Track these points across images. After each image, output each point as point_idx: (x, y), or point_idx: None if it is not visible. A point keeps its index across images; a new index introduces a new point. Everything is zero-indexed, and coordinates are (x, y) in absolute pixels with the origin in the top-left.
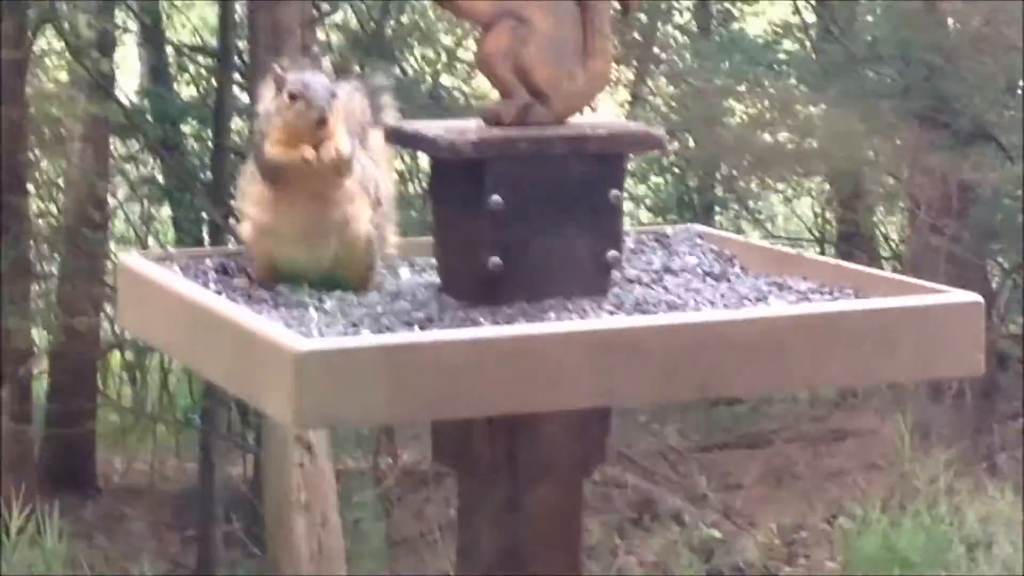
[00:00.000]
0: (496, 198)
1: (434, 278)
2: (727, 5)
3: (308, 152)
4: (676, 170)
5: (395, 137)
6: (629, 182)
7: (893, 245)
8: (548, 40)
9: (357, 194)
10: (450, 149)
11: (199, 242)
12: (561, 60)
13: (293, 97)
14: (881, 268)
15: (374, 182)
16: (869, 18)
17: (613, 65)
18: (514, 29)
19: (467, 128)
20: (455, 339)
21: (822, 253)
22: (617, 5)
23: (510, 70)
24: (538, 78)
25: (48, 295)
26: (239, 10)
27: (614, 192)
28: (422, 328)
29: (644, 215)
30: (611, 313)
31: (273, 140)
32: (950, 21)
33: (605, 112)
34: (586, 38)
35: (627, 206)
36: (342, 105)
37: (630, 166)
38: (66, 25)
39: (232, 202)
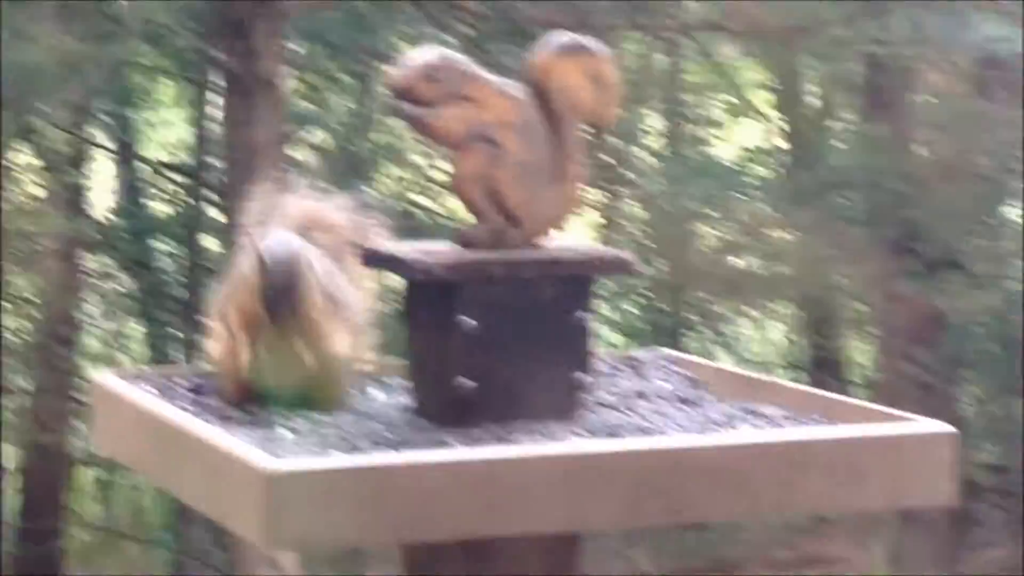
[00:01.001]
0: (468, 320)
1: (406, 399)
2: (697, 129)
3: (242, 358)
4: (646, 293)
5: (369, 258)
6: (600, 305)
7: (863, 371)
8: (521, 164)
9: (331, 313)
10: (424, 271)
11: (171, 360)
12: (533, 183)
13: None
14: (852, 394)
15: (348, 302)
16: (839, 144)
17: (584, 188)
18: (486, 153)
19: (440, 251)
20: (426, 462)
21: (793, 379)
22: (588, 128)
23: (483, 194)
24: (510, 202)
25: (18, 411)
26: (214, 128)
27: (582, 315)
28: (394, 450)
29: (615, 338)
30: (581, 437)
31: (239, 297)
32: (919, 150)
33: (575, 235)
34: (558, 162)
35: (597, 329)
36: (315, 266)
37: (601, 289)
38: (40, 139)
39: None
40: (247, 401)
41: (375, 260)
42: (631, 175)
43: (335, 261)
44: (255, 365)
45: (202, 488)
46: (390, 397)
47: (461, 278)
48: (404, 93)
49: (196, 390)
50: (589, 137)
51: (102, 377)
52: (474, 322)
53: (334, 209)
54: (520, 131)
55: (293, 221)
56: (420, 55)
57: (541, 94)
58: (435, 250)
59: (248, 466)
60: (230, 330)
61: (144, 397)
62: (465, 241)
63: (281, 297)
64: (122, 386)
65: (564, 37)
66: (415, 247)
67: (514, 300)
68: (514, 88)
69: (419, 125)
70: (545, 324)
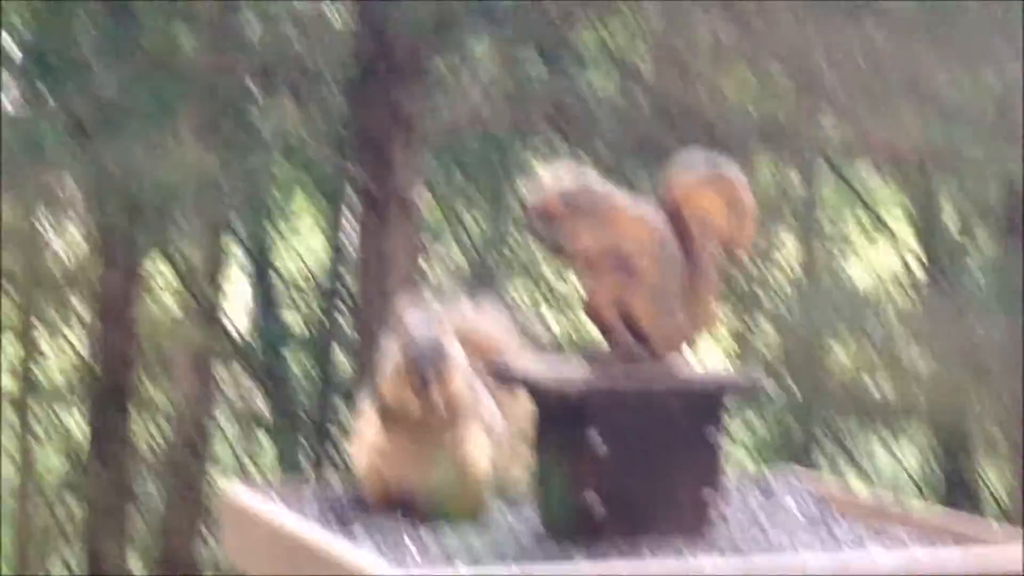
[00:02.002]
0: (598, 440)
1: (533, 516)
2: (833, 250)
3: (409, 397)
4: (777, 412)
5: (500, 375)
6: (731, 423)
7: (999, 499)
8: (655, 289)
9: (473, 423)
10: (555, 391)
11: (300, 473)
12: (668, 308)
13: (404, 355)
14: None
15: (491, 412)
16: (976, 270)
17: (718, 307)
18: (621, 276)
19: (571, 370)
20: (549, 573)
21: (924, 503)
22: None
23: (616, 316)
24: (643, 324)
25: (149, 522)
26: (347, 240)
27: (713, 432)
28: (516, 564)
29: (741, 453)
30: (707, 553)
31: (386, 381)
32: None
33: (708, 354)
34: (692, 284)
35: (727, 447)
36: (457, 353)
37: (733, 407)
38: (175, 252)
39: (335, 433)
40: (386, 505)
41: (506, 377)
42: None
43: (481, 376)
44: (398, 465)
45: None
46: (518, 513)
47: (591, 398)
48: (542, 214)
49: (322, 501)
50: (723, 261)
51: (231, 488)
52: (603, 441)
53: (487, 324)
54: (655, 255)
55: (453, 326)
56: (558, 177)
57: (677, 217)
58: (566, 369)
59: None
60: (376, 426)
61: (274, 510)
62: (596, 360)
63: (428, 362)
64: (252, 498)
65: (701, 161)
66: (546, 365)
67: (644, 420)
68: (650, 212)
69: (555, 247)
70: (675, 443)
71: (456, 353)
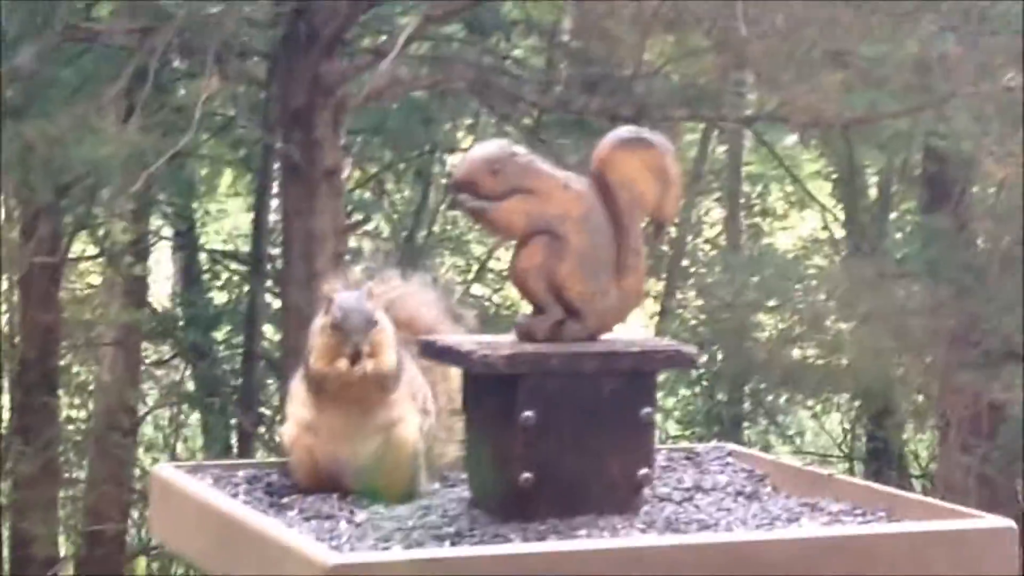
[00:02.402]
0: (528, 414)
1: (465, 492)
2: (756, 220)
3: (343, 364)
4: (705, 383)
5: (428, 351)
6: (657, 395)
7: (923, 463)
8: (582, 257)
9: (403, 400)
10: (483, 364)
11: (228, 448)
12: (595, 277)
13: (334, 326)
14: (910, 486)
15: (423, 390)
16: (899, 235)
17: (646, 280)
18: (549, 246)
19: (500, 343)
20: (484, 554)
21: (851, 470)
22: (651, 221)
23: (544, 286)
24: (572, 294)
25: (75, 500)
26: (272, 217)
27: (646, 410)
28: (452, 543)
29: (672, 427)
30: (642, 531)
31: (316, 355)
32: (979, 240)
33: (634, 325)
34: (620, 255)
35: (656, 418)
36: (387, 325)
37: (659, 377)
38: (101, 231)
39: (262, 409)
40: (315, 484)
41: (434, 352)
42: (690, 266)
43: (411, 352)
44: (329, 443)
45: None
46: (450, 489)
47: (521, 371)
48: (466, 186)
49: (254, 482)
50: (650, 232)
51: (162, 468)
52: (533, 415)
53: (413, 292)
54: (582, 224)
55: (384, 297)
56: (482, 148)
57: (604, 188)
58: (495, 342)
59: (307, 559)
60: (306, 404)
61: (203, 488)
62: (525, 333)
63: (358, 332)
64: (181, 477)
65: (626, 131)
66: (475, 339)
67: (575, 394)
68: (576, 181)
69: (481, 218)
70: (606, 418)
71: (387, 326)
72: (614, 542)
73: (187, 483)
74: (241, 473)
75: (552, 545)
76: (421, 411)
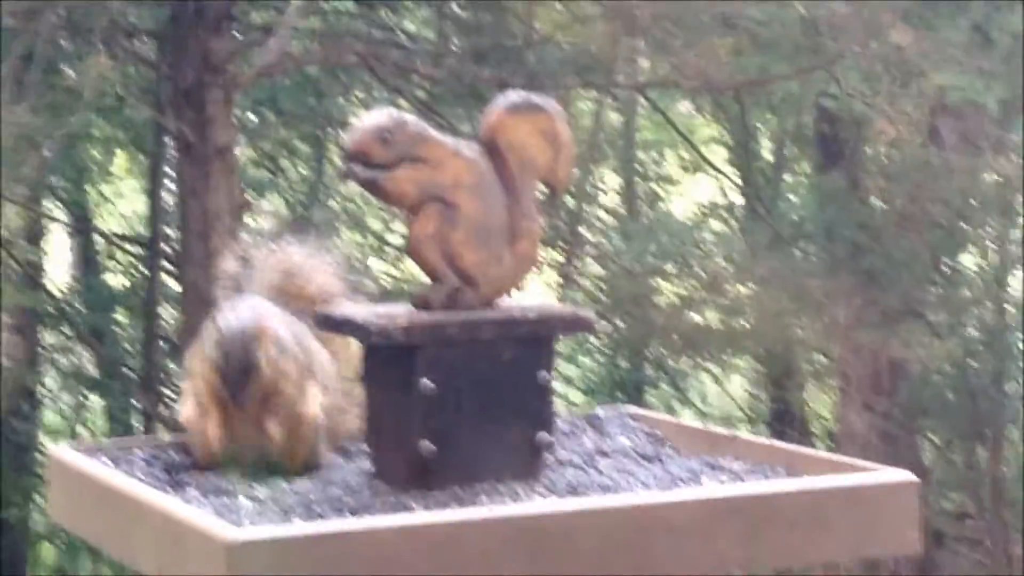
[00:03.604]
0: (426, 382)
1: (367, 464)
2: (653, 186)
3: (212, 433)
4: (606, 351)
5: (324, 322)
6: (559, 362)
7: (825, 423)
8: (475, 224)
9: (303, 375)
10: (380, 334)
11: (131, 431)
12: (489, 244)
13: (214, 368)
14: (813, 446)
15: (321, 364)
16: (793, 197)
17: (541, 247)
18: (441, 214)
19: (397, 313)
20: (386, 526)
21: (754, 432)
22: (543, 188)
23: (438, 255)
24: (466, 262)
25: None
26: (168, 199)
27: (543, 374)
28: (354, 515)
29: (575, 395)
30: (544, 497)
31: (185, 401)
32: (874, 200)
33: (533, 294)
34: (513, 221)
35: (558, 386)
36: (306, 349)
37: (560, 347)
38: None
39: (164, 390)
40: (215, 460)
41: (330, 323)
42: (588, 233)
43: (307, 319)
44: (223, 436)
45: (161, 559)
46: (350, 461)
47: (418, 340)
48: (357, 156)
49: (153, 461)
50: (544, 197)
51: (58, 450)
52: (432, 384)
53: (311, 262)
54: (474, 191)
55: (269, 274)
56: (372, 118)
57: (494, 154)
58: (391, 312)
59: (207, 535)
60: (199, 398)
61: (100, 469)
62: (421, 303)
63: (238, 376)
64: (78, 459)
65: (516, 96)
66: (371, 310)
67: (473, 361)
68: (467, 148)
69: (373, 187)
70: (505, 385)
71: (280, 333)
72: (515, 509)
73: (84, 464)
74: (139, 452)
75: (453, 514)
76: (322, 386)
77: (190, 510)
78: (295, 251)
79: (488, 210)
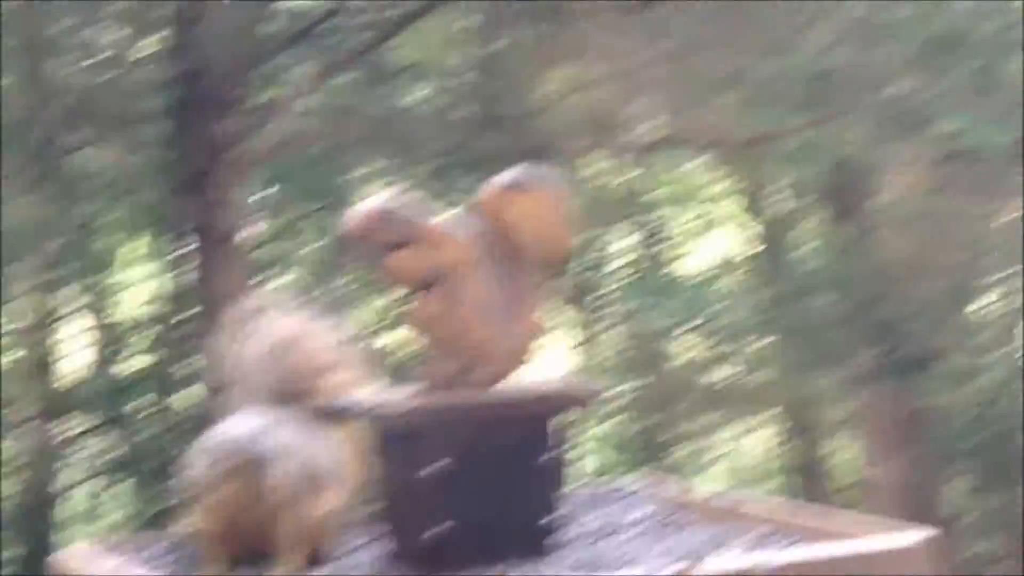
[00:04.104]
0: (436, 464)
1: (380, 546)
2: (667, 245)
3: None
4: (629, 411)
5: (330, 412)
6: (581, 426)
7: (851, 473)
8: (480, 301)
9: (311, 486)
10: (389, 418)
11: (153, 517)
12: (494, 320)
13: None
14: (840, 497)
15: (331, 462)
16: (808, 249)
17: (557, 310)
18: (446, 293)
19: (404, 395)
20: None
21: (782, 484)
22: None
23: (444, 334)
24: (473, 339)
25: None
26: (183, 281)
27: (553, 452)
28: None
29: (597, 458)
30: (557, 572)
31: (202, 508)
32: (889, 249)
33: (544, 367)
34: (517, 296)
35: (580, 450)
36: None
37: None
38: (9, 302)
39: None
40: (232, 559)
41: (338, 410)
42: (601, 297)
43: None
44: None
45: None
46: (367, 543)
47: (427, 421)
48: (360, 240)
49: (171, 554)
50: (548, 274)
51: (76, 549)
52: (443, 465)
53: (313, 330)
54: (477, 269)
55: (270, 343)
56: (371, 201)
57: (497, 231)
58: (399, 395)
59: None
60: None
61: (120, 566)
62: (430, 383)
63: (243, 501)
64: (97, 556)
65: (514, 172)
66: (379, 392)
67: (483, 441)
68: (469, 226)
69: (375, 270)
70: (515, 463)
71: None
72: None
73: (103, 561)
74: (157, 547)
75: None
76: (333, 484)
77: None
78: (289, 322)
79: (492, 287)
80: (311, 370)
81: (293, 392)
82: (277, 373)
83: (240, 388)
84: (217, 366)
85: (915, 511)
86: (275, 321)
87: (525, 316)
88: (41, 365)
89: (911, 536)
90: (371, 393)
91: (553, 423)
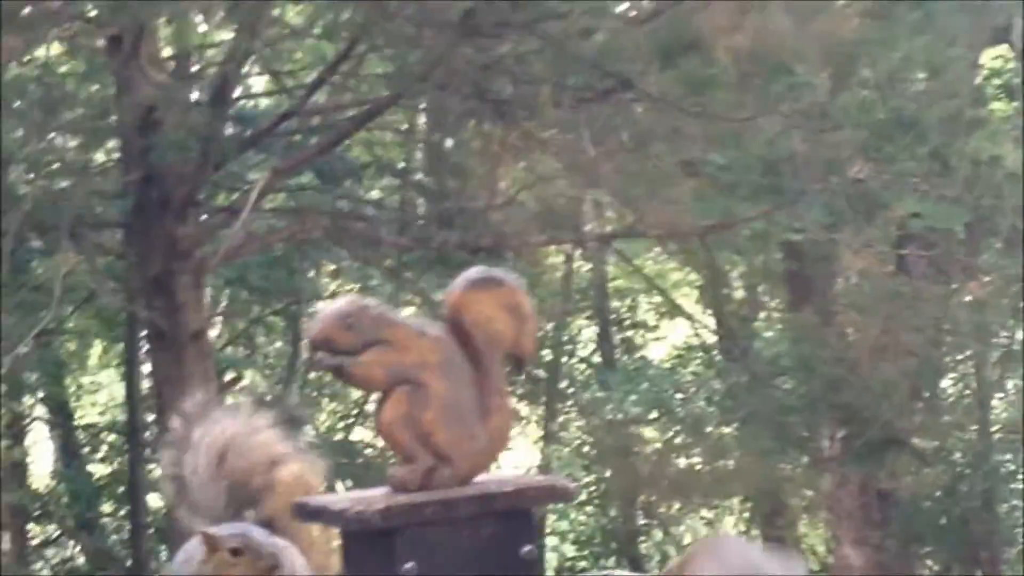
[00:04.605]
0: (409, 565)
1: None
2: (628, 333)
3: None
4: (596, 502)
5: (300, 512)
6: (551, 517)
7: (820, 557)
8: (445, 403)
9: None
10: (358, 520)
11: None
12: (461, 421)
13: (236, 552)
14: None
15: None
16: (767, 335)
17: (523, 404)
18: (410, 395)
19: (373, 497)
20: None
21: None
22: (511, 359)
23: (411, 436)
24: (439, 440)
25: None
26: (145, 384)
27: (527, 548)
28: None
29: (569, 549)
30: None
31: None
32: (848, 332)
33: (516, 455)
34: (483, 396)
35: (551, 541)
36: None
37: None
38: None
39: None
40: None
41: (307, 513)
42: (567, 387)
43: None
44: None
45: None
46: None
47: (396, 523)
48: (322, 343)
49: None
50: (513, 369)
51: None
52: (415, 566)
53: (259, 430)
54: (442, 370)
55: (214, 447)
56: (335, 305)
57: (459, 331)
58: (368, 497)
59: None
60: None
61: None
62: (398, 484)
63: (276, 550)
64: None
65: (476, 272)
66: (347, 495)
67: (453, 540)
68: (432, 327)
69: (340, 373)
70: (488, 561)
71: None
72: None
73: None
74: None
75: None
76: None
77: None
78: (230, 424)
79: (457, 388)
80: (263, 464)
81: (248, 493)
82: (229, 476)
83: (196, 498)
84: (172, 475)
85: None
86: (220, 423)
87: (492, 418)
88: (10, 473)
89: None
90: (342, 497)
91: (529, 518)
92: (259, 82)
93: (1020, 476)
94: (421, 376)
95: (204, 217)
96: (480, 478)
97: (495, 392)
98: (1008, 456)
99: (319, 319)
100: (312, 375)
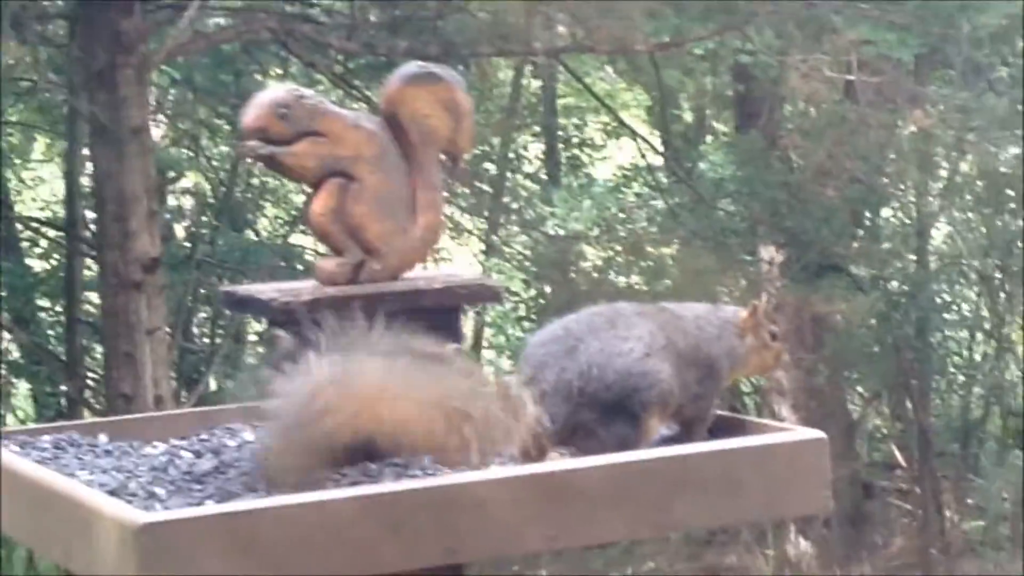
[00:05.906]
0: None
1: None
2: (575, 152)
3: None
4: (534, 317)
5: (227, 302)
6: (488, 331)
7: (753, 380)
8: (378, 196)
9: None
10: (283, 311)
11: (58, 416)
12: (392, 216)
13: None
14: (741, 404)
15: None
16: (713, 158)
17: (467, 216)
18: (343, 187)
19: (301, 289)
20: (293, 503)
21: None
22: (445, 157)
23: (341, 228)
24: (370, 235)
25: None
26: (86, 181)
27: (452, 346)
28: (267, 492)
29: (505, 363)
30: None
31: None
32: (792, 156)
33: (454, 264)
34: (416, 193)
35: (488, 355)
36: None
37: (488, 316)
38: None
39: (88, 374)
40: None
41: (233, 303)
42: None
43: None
44: None
45: (71, 546)
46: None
47: (320, 314)
48: (255, 132)
49: (59, 446)
50: (446, 167)
51: None
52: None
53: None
54: (376, 163)
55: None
56: (269, 93)
57: (395, 125)
58: (296, 288)
59: (117, 519)
60: None
61: (8, 458)
62: (325, 277)
63: None
64: None
65: (414, 67)
66: (275, 286)
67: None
68: (368, 120)
69: (272, 163)
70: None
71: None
72: (422, 482)
73: None
74: (47, 438)
75: (361, 489)
76: None
77: (98, 495)
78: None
79: (390, 182)
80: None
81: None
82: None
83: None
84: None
85: (817, 418)
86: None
87: (424, 215)
88: None
89: (808, 433)
90: (270, 287)
91: (456, 317)
92: None
93: (954, 307)
94: (354, 169)
95: (151, 11)
96: (409, 275)
97: (429, 189)
98: (944, 286)
99: (252, 107)
100: (255, 180)
